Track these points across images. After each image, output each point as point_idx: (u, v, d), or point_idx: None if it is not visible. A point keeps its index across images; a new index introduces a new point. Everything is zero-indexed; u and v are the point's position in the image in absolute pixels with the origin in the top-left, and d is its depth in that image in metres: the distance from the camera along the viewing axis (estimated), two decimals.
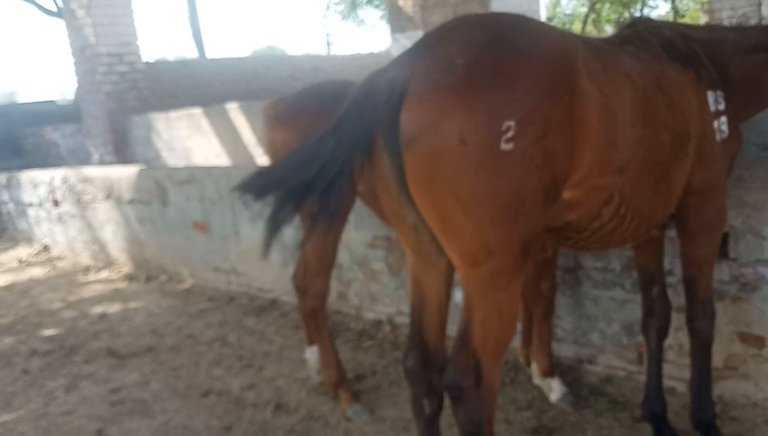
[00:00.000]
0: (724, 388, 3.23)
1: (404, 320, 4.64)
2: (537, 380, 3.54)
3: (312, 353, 3.78)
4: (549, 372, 3.47)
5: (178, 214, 6.24)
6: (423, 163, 1.97)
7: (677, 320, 3.21)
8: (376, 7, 29.84)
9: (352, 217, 4.75)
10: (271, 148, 3.32)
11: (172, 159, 8.57)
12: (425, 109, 1.94)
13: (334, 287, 5.10)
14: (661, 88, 2.37)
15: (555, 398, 3.42)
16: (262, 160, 4.50)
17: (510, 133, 1.90)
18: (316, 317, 3.54)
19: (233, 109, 7.11)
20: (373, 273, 4.76)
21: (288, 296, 5.46)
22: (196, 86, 11.93)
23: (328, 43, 26.49)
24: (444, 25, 2.14)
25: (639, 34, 2.61)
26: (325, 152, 2.02)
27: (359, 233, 4.76)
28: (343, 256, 4.94)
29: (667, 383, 3.42)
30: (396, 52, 13.53)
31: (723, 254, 3.08)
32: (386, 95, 1.99)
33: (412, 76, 1.98)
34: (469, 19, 2.12)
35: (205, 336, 4.98)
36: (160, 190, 6.35)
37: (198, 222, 6.04)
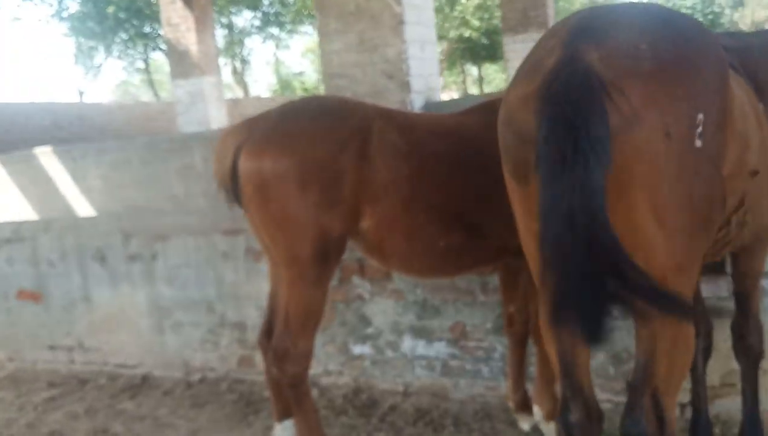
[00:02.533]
0: (721, 406, 3.24)
1: (332, 380, 4.10)
2: (542, 425, 3.27)
3: (285, 430, 3.10)
4: (554, 415, 3.23)
5: None
6: (620, 162, 1.66)
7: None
8: (119, 57, 28.15)
9: (262, 266, 4.13)
10: (255, 180, 2.65)
11: None
12: (630, 98, 1.64)
13: (235, 351, 4.39)
14: (749, 94, 2.32)
15: None
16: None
17: (700, 128, 1.70)
18: (298, 385, 2.89)
19: (45, 154, 5.92)
20: None
21: (163, 370, 4.57)
22: None
23: (80, 93, 24.06)
24: (590, 10, 1.89)
25: None
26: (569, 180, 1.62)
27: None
28: (248, 313, 4.27)
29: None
30: (182, 99, 12.64)
31: (721, 268, 3.10)
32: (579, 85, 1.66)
33: (601, 62, 1.68)
34: (619, 7, 1.87)
35: (77, 431, 3.90)
36: None
37: (26, 290, 4.85)
